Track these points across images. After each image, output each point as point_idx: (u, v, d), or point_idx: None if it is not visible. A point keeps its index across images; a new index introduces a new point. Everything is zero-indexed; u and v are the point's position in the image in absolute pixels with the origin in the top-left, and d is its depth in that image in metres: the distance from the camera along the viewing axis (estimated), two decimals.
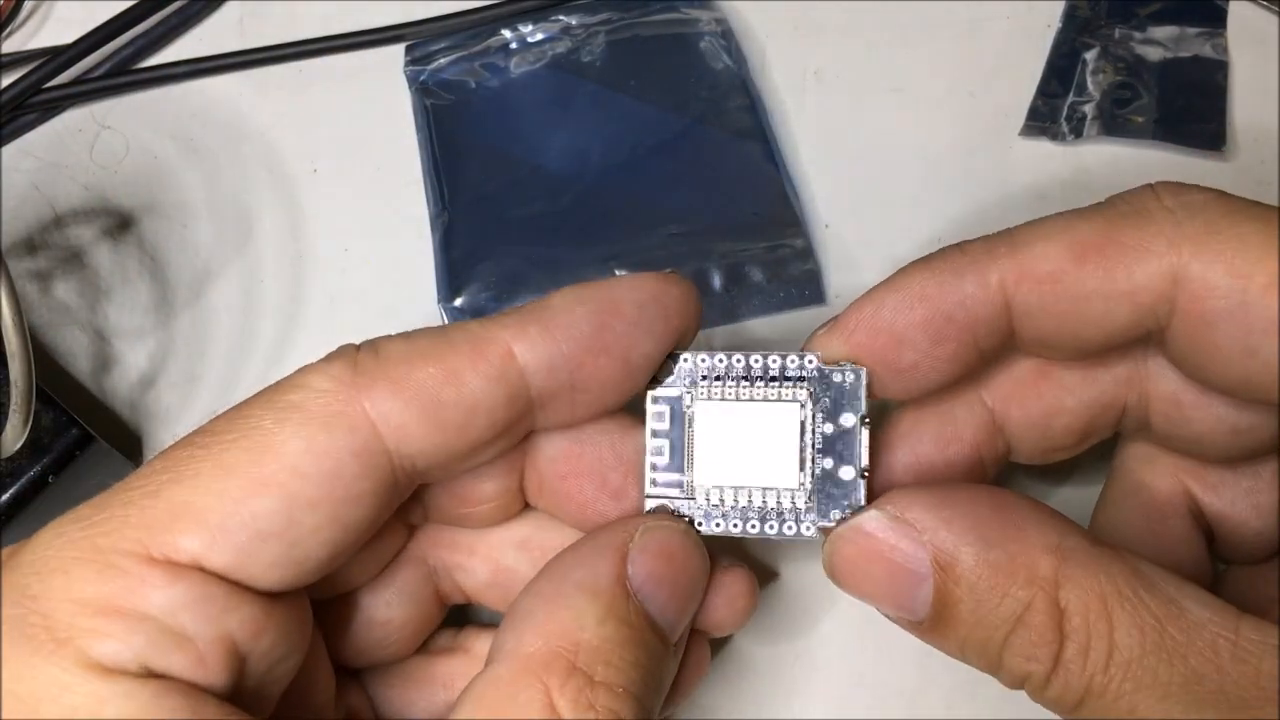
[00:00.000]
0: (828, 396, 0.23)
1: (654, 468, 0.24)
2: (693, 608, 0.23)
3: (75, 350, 0.34)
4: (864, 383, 0.23)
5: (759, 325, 0.34)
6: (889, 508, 0.21)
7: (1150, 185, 0.22)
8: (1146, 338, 0.22)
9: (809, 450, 0.23)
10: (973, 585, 0.20)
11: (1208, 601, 0.19)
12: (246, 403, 0.21)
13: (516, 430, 0.22)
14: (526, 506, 0.26)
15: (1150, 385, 0.24)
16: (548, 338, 0.21)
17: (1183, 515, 0.26)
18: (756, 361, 0.24)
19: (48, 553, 0.19)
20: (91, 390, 0.34)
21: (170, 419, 0.33)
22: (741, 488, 0.24)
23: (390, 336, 0.22)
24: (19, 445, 0.26)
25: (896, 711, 0.29)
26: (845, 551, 0.22)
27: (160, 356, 0.34)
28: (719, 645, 0.29)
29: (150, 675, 0.18)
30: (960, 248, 0.23)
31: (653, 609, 0.22)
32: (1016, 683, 0.21)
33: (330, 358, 0.21)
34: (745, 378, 0.24)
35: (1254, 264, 0.20)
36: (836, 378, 0.23)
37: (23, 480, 0.29)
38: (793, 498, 0.23)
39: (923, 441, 0.25)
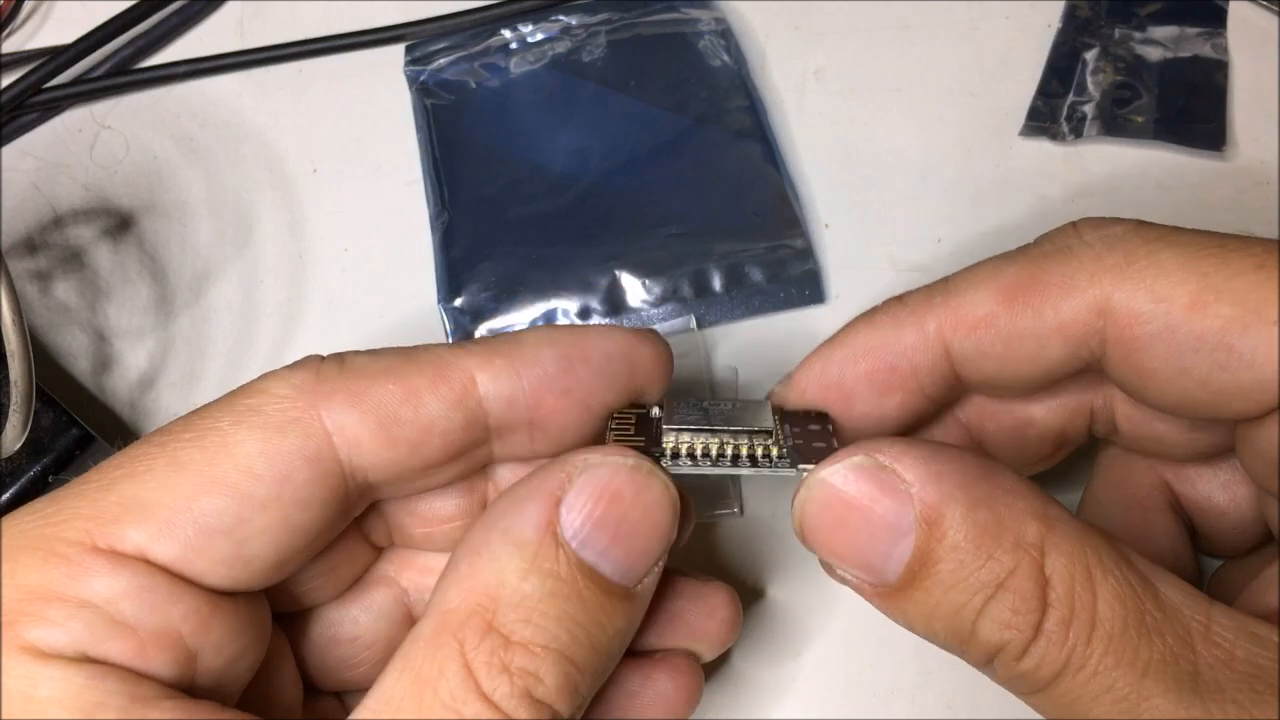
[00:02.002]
0: (799, 435, 0.23)
1: (617, 423, 0.23)
2: (655, 550, 0.21)
3: (75, 350, 0.34)
4: (830, 425, 0.24)
5: (759, 325, 0.34)
6: (878, 455, 0.20)
7: (1073, 223, 0.23)
8: (1087, 368, 0.23)
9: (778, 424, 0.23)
10: (956, 545, 0.19)
11: (1180, 585, 0.19)
12: (208, 405, 0.21)
13: (473, 457, 0.23)
14: None
15: (1112, 389, 0.25)
16: (511, 372, 0.22)
17: (1163, 509, 0.26)
18: (728, 446, 0.22)
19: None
20: (91, 390, 0.34)
21: (170, 419, 0.33)
22: (714, 433, 0.22)
23: (358, 351, 0.22)
24: (19, 445, 0.26)
25: (896, 711, 0.29)
26: (820, 497, 0.21)
27: (160, 356, 0.34)
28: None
29: (87, 660, 0.18)
30: (900, 299, 0.24)
31: (591, 557, 0.20)
32: (986, 655, 0.20)
33: (295, 366, 0.21)
34: (706, 455, 0.22)
35: (1174, 287, 0.21)
36: (810, 426, 0.23)
37: (23, 480, 0.29)
38: (766, 447, 0.22)
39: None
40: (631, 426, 0.23)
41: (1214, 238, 0.21)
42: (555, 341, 0.22)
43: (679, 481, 0.21)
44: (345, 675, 0.25)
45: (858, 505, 0.20)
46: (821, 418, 0.24)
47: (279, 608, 0.23)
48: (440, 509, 0.24)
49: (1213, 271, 0.21)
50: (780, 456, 0.22)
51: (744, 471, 0.22)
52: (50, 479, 0.29)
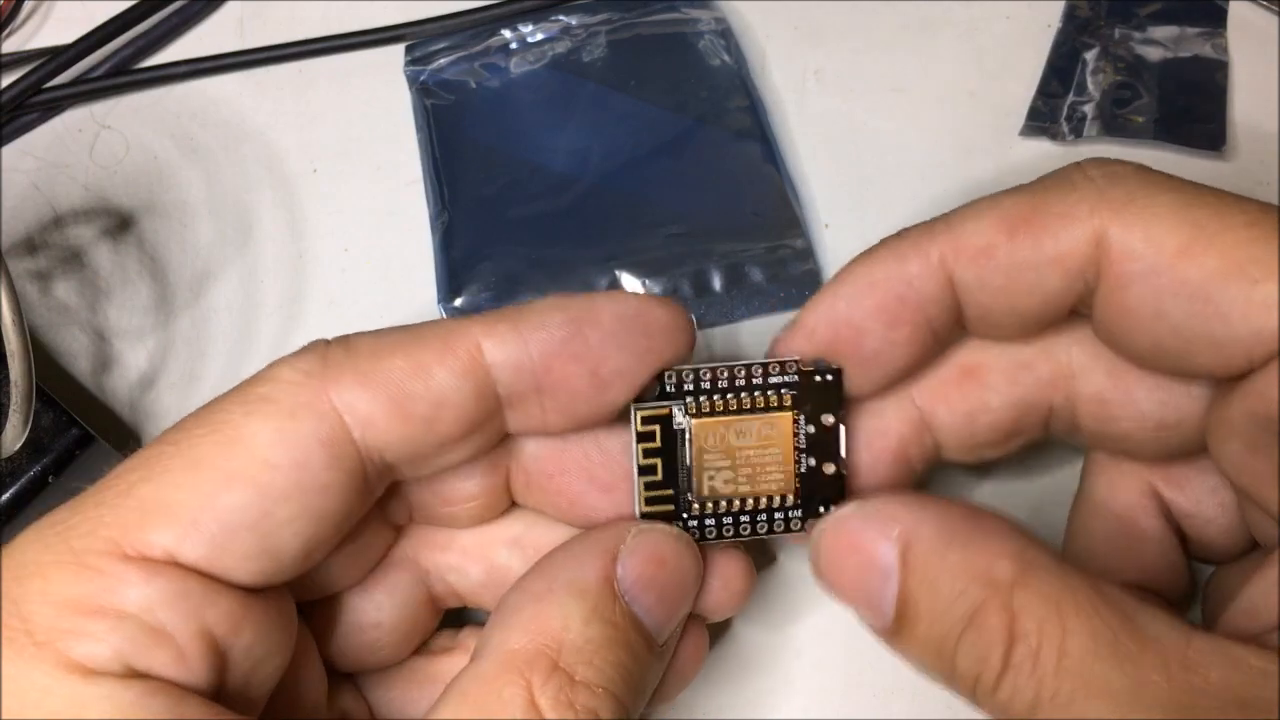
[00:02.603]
0: (810, 399, 0.24)
1: (647, 486, 0.24)
2: (682, 612, 0.23)
3: (75, 350, 0.34)
4: (841, 382, 0.24)
5: (759, 325, 0.34)
6: (868, 504, 0.22)
7: (1078, 162, 0.23)
8: (1078, 306, 0.23)
9: (795, 452, 0.24)
10: (931, 582, 0.21)
11: (1164, 619, 0.19)
12: (220, 398, 0.21)
13: (487, 430, 0.22)
14: (514, 505, 0.26)
15: (1076, 385, 0.25)
16: (517, 337, 0.22)
17: (1153, 515, 0.26)
18: (740, 372, 0.24)
19: (24, 557, 0.19)
20: (91, 390, 0.34)
21: (170, 419, 0.33)
22: (735, 496, 0.24)
23: (363, 333, 0.22)
24: (19, 445, 0.26)
25: (896, 710, 0.29)
26: (825, 542, 0.23)
27: (160, 356, 0.34)
28: (718, 640, 0.29)
29: (132, 675, 0.18)
30: (899, 234, 0.24)
31: (639, 611, 0.22)
32: (968, 687, 0.20)
33: (301, 351, 0.21)
34: (730, 389, 0.24)
35: (1166, 232, 0.21)
36: (817, 379, 0.24)
37: (23, 480, 0.29)
38: (783, 498, 0.24)
39: (855, 435, 0.25)
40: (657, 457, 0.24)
41: (1212, 192, 0.21)
42: (564, 307, 0.22)
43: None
44: (366, 659, 0.25)
45: (852, 547, 0.22)
46: (833, 390, 0.24)
47: (302, 597, 0.23)
48: (463, 488, 0.24)
49: (1206, 223, 0.21)
50: (794, 506, 0.24)
51: (762, 535, 0.24)
52: (50, 479, 0.29)
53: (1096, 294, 0.22)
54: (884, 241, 0.24)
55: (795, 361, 0.24)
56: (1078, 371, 0.25)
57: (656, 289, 0.34)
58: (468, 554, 0.26)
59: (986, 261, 0.23)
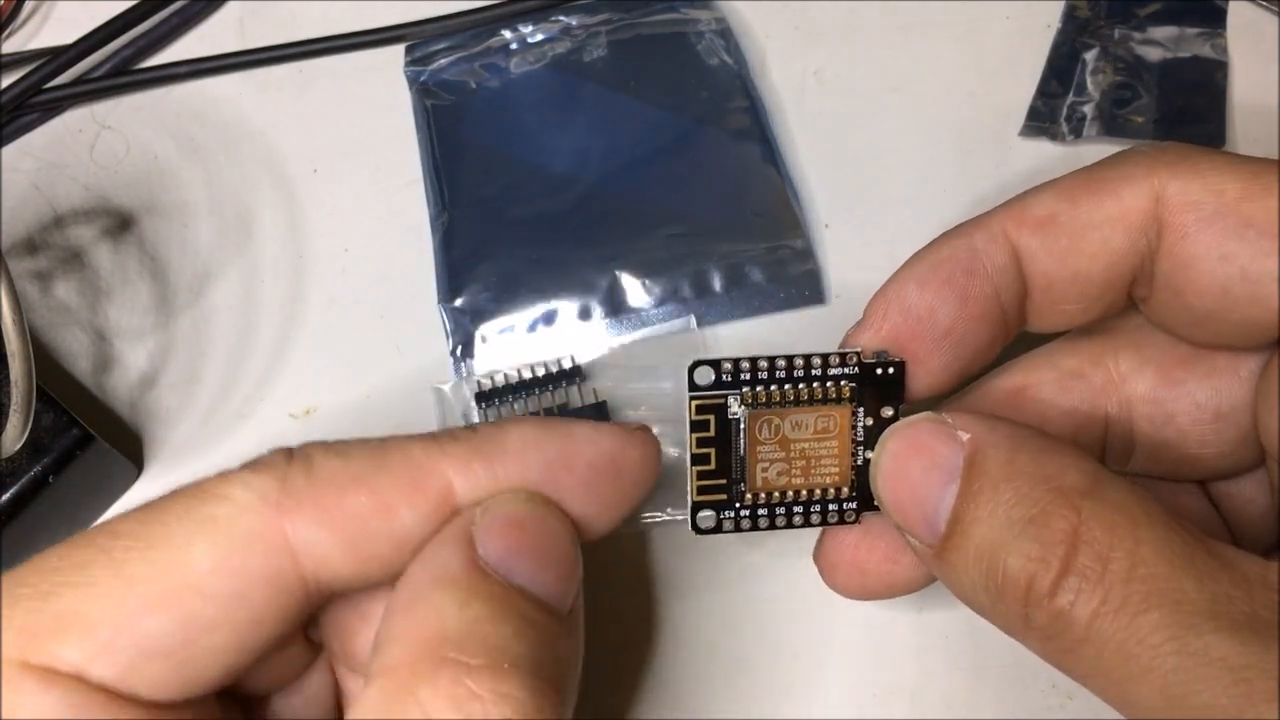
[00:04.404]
0: (869, 392, 0.24)
1: (700, 475, 0.24)
2: (572, 574, 0.21)
3: (75, 350, 0.34)
4: (903, 374, 0.24)
5: (759, 325, 0.34)
6: (942, 412, 0.22)
7: (1131, 146, 0.24)
8: (1141, 271, 0.23)
9: (852, 444, 0.24)
10: (994, 485, 0.20)
11: (1237, 550, 0.19)
12: (163, 505, 0.19)
13: None
14: None
15: (1128, 389, 0.25)
16: (491, 479, 0.20)
17: (1194, 493, 0.26)
18: (799, 362, 0.24)
19: None
20: (91, 390, 0.34)
21: (170, 419, 0.33)
22: (789, 489, 0.24)
23: (325, 449, 0.20)
24: (19, 445, 0.26)
25: (897, 711, 0.29)
26: (891, 444, 0.23)
27: (160, 356, 0.34)
28: (718, 640, 0.29)
29: None
30: (955, 226, 0.24)
31: (523, 581, 0.20)
32: (1018, 596, 0.19)
33: (258, 468, 0.20)
34: (789, 379, 0.24)
35: (1226, 180, 0.22)
36: (878, 371, 0.24)
37: (23, 480, 0.29)
38: (837, 489, 0.24)
39: None
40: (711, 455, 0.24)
41: (1257, 159, 0.22)
42: (541, 444, 0.21)
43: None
44: None
45: (918, 450, 0.22)
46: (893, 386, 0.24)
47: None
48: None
49: (1260, 172, 0.22)
50: (849, 498, 0.24)
51: (814, 524, 0.24)
52: (50, 479, 0.29)
53: (1158, 254, 0.23)
54: (941, 234, 0.25)
55: (856, 353, 0.24)
56: (1127, 374, 0.25)
57: (657, 289, 0.34)
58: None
59: (1052, 227, 0.23)
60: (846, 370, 0.24)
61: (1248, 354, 0.24)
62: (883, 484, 0.23)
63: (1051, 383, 0.25)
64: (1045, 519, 0.19)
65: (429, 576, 0.19)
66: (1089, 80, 0.37)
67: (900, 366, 0.24)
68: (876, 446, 0.23)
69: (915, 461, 0.22)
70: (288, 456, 0.20)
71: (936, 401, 0.25)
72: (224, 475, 0.20)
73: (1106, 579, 0.18)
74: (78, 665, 0.18)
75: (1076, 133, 0.36)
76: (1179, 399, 0.24)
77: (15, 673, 0.18)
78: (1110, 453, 0.26)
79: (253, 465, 0.20)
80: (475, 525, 0.20)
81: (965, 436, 0.21)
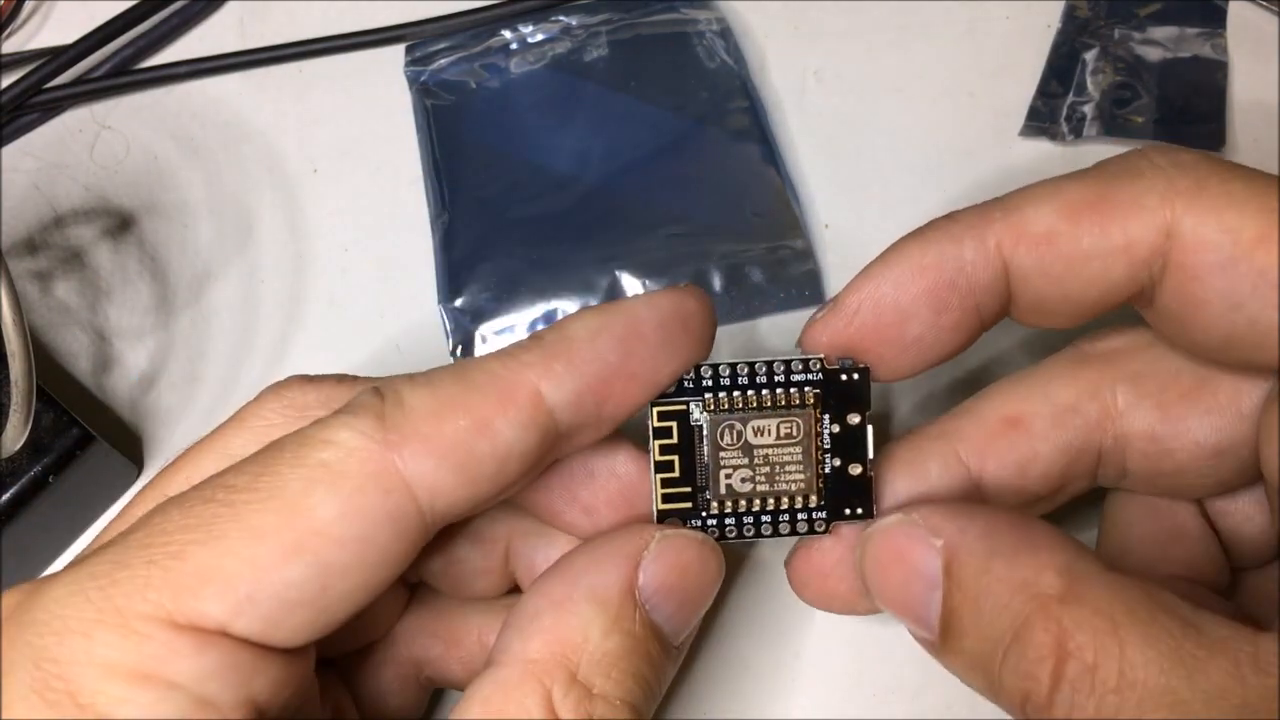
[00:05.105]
0: (834, 398, 0.24)
1: (664, 484, 0.24)
2: (699, 616, 0.23)
3: (75, 350, 0.34)
4: (868, 381, 0.23)
5: (759, 326, 0.34)
6: (911, 513, 0.22)
7: (1140, 149, 0.23)
8: (1139, 296, 0.22)
9: (818, 452, 0.24)
10: (975, 595, 0.20)
11: (1223, 620, 0.19)
12: (269, 456, 0.19)
13: (545, 464, 0.22)
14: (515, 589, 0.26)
15: (1125, 424, 0.24)
16: (574, 373, 0.21)
17: (1190, 510, 0.26)
18: (761, 368, 0.23)
19: (65, 611, 0.18)
20: (91, 390, 0.34)
21: (170, 419, 0.33)
22: (755, 495, 0.24)
23: (410, 381, 0.20)
24: (19, 445, 0.26)
25: (897, 711, 0.29)
26: (870, 551, 0.22)
27: (160, 356, 0.34)
28: (717, 641, 0.29)
29: None
30: (951, 217, 0.23)
31: (659, 619, 0.22)
32: (1017, 706, 0.20)
33: (355, 410, 0.20)
34: (751, 385, 0.23)
35: (1244, 220, 0.20)
36: (842, 377, 0.23)
37: (23, 480, 0.29)
38: (805, 498, 0.24)
39: (899, 500, 0.24)
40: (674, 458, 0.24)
41: (1275, 186, 0.21)
42: (606, 326, 0.21)
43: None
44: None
45: (896, 559, 0.22)
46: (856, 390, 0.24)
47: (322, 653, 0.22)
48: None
49: None
50: (818, 507, 0.24)
51: (784, 535, 0.24)
52: (50, 479, 0.29)
53: (1162, 285, 0.22)
54: (934, 223, 0.23)
55: (819, 359, 0.23)
56: (1125, 409, 0.24)
57: (656, 289, 0.34)
58: (461, 644, 0.26)
59: (1048, 249, 0.22)
60: (810, 376, 0.23)
61: (1249, 386, 0.23)
62: (871, 588, 0.23)
63: (1045, 417, 0.24)
64: (1029, 633, 0.19)
65: (588, 584, 0.21)
66: (1089, 80, 0.37)
67: (864, 373, 0.23)
68: (859, 547, 0.23)
69: (895, 571, 0.22)
70: (378, 394, 0.20)
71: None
72: (322, 422, 0.20)
73: (1097, 690, 0.18)
74: (222, 621, 0.18)
75: (1077, 133, 0.36)
76: (1178, 436, 0.24)
77: (167, 633, 0.18)
78: (1103, 477, 0.25)
79: (348, 408, 0.20)
80: (647, 552, 0.22)
81: (939, 543, 0.21)
